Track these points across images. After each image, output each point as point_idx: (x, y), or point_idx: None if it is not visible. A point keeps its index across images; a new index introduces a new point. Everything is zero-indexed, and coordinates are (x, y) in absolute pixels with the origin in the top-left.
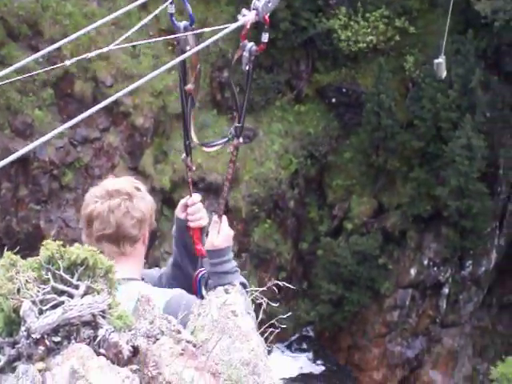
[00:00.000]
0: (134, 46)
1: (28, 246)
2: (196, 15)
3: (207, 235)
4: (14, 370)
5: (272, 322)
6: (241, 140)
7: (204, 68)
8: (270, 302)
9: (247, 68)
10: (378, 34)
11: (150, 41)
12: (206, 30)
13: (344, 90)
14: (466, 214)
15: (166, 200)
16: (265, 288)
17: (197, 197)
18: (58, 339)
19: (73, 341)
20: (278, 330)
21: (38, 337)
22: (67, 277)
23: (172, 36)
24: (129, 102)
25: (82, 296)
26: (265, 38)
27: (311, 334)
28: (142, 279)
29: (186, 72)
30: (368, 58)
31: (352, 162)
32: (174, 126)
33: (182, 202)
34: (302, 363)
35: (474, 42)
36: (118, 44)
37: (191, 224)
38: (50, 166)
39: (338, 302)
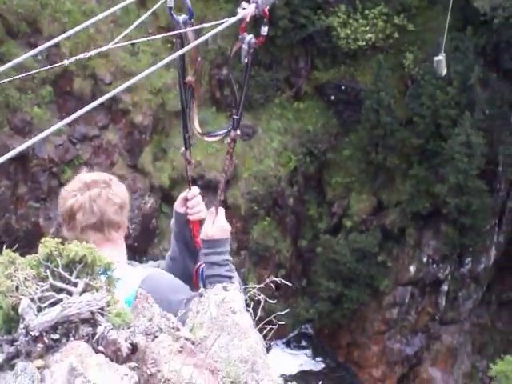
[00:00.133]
0: (133, 44)
1: (27, 243)
2: (195, 13)
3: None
4: (12, 367)
5: (269, 318)
6: (238, 132)
7: (203, 65)
8: (269, 299)
9: (246, 60)
10: (377, 31)
11: (148, 38)
12: (206, 25)
13: (343, 88)
14: (466, 211)
15: (165, 197)
16: (262, 285)
17: (196, 190)
18: (56, 337)
19: (71, 338)
20: (275, 327)
21: (37, 334)
22: (66, 274)
23: (172, 33)
24: (128, 99)
25: (81, 293)
26: (264, 30)
27: (310, 331)
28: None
29: (185, 67)
30: (367, 55)
31: (351, 159)
32: (173, 124)
33: (182, 195)
34: (302, 360)
35: (473, 39)
36: (116, 42)
37: (191, 217)
38: (49, 164)
39: (337, 300)
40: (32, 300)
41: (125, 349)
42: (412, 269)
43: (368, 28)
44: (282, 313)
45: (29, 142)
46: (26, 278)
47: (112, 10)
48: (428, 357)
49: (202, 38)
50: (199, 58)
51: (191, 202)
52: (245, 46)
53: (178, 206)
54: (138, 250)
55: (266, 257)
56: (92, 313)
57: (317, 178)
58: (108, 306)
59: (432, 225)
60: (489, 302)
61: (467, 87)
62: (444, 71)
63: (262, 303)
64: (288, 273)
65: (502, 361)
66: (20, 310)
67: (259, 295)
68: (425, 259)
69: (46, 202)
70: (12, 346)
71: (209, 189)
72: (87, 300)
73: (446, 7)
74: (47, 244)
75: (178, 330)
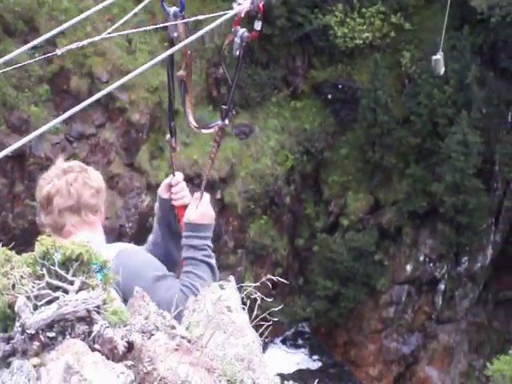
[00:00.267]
0: (129, 42)
1: (24, 241)
2: (192, 11)
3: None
4: (8, 365)
5: (263, 315)
6: (226, 122)
7: (200, 64)
8: (266, 298)
9: (238, 53)
10: (374, 30)
11: (140, 29)
12: (200, 17)
13: (340, 86)
14: (462, 210)
15: None
16: (258, 283)
17: (180, 176)
18: (52, 335)
19: (67, 336)
20: (270, 324)
21: (33, 332)
22: (62, 272)
23: (163, 24)
24: (125, 97)
25: (77, 291)
26: (257, 25)
27: (307, 329)
28: None
29: (175, 61)
30: (364, 54)
31: (348, 158)
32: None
33: (166, 181)
34: (299, 359)
35: (470, 38)
36: (110, 33)
37: (175, 202)
38: (46, 162)
39: (334, 298)
40: (28, 298)
41: (121, 347)
42: (409, 268)
43: (365, 27)
44: (276, 309)
45: (24, 140)
46: (22, 276)
47: (105, 3)
48: (425, 356)
49: (195, 35)
50: (189, 52)
51: (175, 188)
52: (237, 40)
53: (162, 192)
54: None
55: (263, 255)
56: (88, 311)
57: (314, 177)
58: (104, 304)
59: (429, 224)
60: (485, 301)
61: (464, 86)
62: (442, 70)
63: (259, 302)
64: (285, 271)
65: (499, 360)
66: (16, 308)
67: (255, 294)
68: (421, 258)
69: None
70: (8, 344)
71: (206, 187)
72: (83, 298)
73: (444, 6)
74: (43, 242)
75: (174, 328)
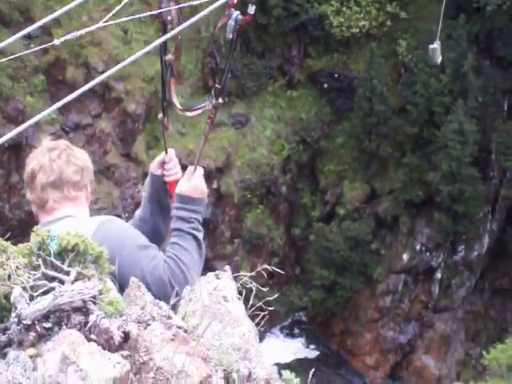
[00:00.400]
0: (125, 32)
1: (21, 232)
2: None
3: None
4: (4, 356)
5: (259, 304)
6: (220, 100)
7: (195, 53)
8: (262, 288)
9: (231, 36)
10: (371, 19)
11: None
12: (195, 2)
13: (336, 76)
14: (459, 199)
15: None
16: (253, 273)
17: (172, 153)
18: (48, 325)
19: (64, 327)
20: (268, 315)
21: (29, 323)
22: (58, 263)
23: (158, 11)
24: (120, 87)
25: (73, 282)
26: (251, 9)
27: (304, 319)
28: None
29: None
30: (360, 43)
31: (344, 147)
32: (166, 113)
33: (158, 159)
34: (296, 348)
35: (466, 26)
36: (106, 21)
37: (167, 178)
38: None
39: (330, 288)
40: (24, 289)
41: (117, 337)
42: (405, 257)
43: (362, 15)
44: (271, 298)
45: (18, 129)
46: (17, 267)
47: None
48: (421, 345)
49: (190, 21)
50: (179, 37)
51: (168, 164)
52: (231, 22)
53: (154, 169)
54: None
55: (260, 245)
56: (84, 301)
57: (310, 166)
58: (100, 294)
59: (425, 213)
60: (482, 290)
61: (460, 75)
62: (439, 59)
63: (255, 291)
64: (281, 261)
65: (495, 348)
66: (12, 299)
67: (251, 283)
68: (418, 247)
69: None
70: (4, 334)
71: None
72: (79, 288)
73: None
74: (39, 232)
75: (170, 318)
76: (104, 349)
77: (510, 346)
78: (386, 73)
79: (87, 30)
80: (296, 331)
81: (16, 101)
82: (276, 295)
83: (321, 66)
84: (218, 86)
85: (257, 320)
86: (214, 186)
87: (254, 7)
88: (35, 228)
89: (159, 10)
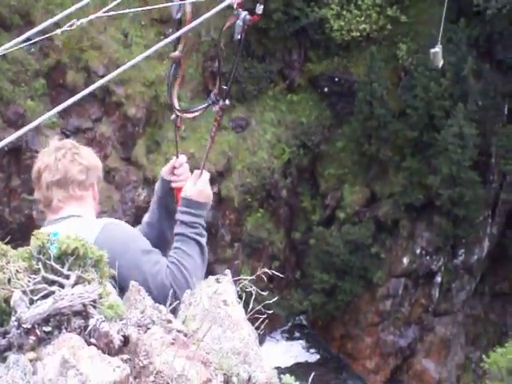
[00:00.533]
0: (125, 36)
1: (21, 236)
2: (192, 5)
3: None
4: (4, 359)
5: (258, 308)
6: (227, 102)
7: (196, 57)
8: (262, 292)
9: (239, 37)
10: (371, 23)
11: (136, 10)
12: None
13: (336, 79)
14: (459, 203)
15: None
16: (254, 277)
17: (183, 158)
18: (48, 329)
19: (63, 331)
20: (269, 319)
21: (29, 327)
22: (58, 266)
23: (172, 4)
24: (121, 92)
25: (73, 286)
26: (259, 9)
27: (304, 323)
28: None
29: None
30: (360, 46)
31: (344, 151)
32: (166, 116)
33: (171, 163)
34: (296, 352)
35: (466, 30)
36: (106, 12)
37: (174, 184)
38: None
39: (330, 292)
40: (24, 292)
41: (117, 341)
42: (405, 260)
43: (362, 19)
44: (271, 301)
45: (18, 133)
46: (17, 271)
47: None
48: (421, 348)
49: (199, 20)
50: (189, 34)
51: (179, 169)
52: (240, 22)
53: (165, 174)
54: None
55: (260, 249)
56: (84, 305)
57: (310, 170)
58: (100, 298)
59: (425, 216)
60: (482, 294)
61: (460, 78)
62: (441, 63)
63: (256, 295)
64: (282, 265)
65: (495, 352)
66: (12, 303)
67: (251, 287)
68: (418, 251)
69: None
70: (4, 338)
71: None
72: (79, 292)
73: None
74: (39, 236)
75: (170, 322)
76: (104, 353)
77: (510, 350)
78: (386, 76)
79: (87, 19)
80: (296, 335)
81: (16, 105)
82: (276, 298)
83: (321, 69)
84: (225, 87)
85: (257, 324)
86: (215, 189)
87: (261, 7)
88: (35, 231)
89: (168, 4)
